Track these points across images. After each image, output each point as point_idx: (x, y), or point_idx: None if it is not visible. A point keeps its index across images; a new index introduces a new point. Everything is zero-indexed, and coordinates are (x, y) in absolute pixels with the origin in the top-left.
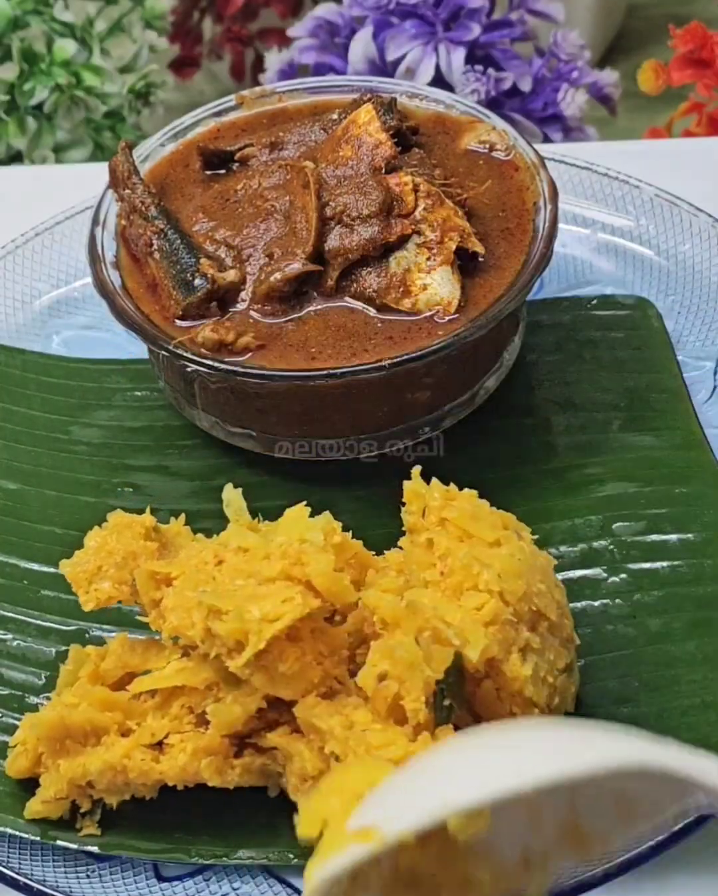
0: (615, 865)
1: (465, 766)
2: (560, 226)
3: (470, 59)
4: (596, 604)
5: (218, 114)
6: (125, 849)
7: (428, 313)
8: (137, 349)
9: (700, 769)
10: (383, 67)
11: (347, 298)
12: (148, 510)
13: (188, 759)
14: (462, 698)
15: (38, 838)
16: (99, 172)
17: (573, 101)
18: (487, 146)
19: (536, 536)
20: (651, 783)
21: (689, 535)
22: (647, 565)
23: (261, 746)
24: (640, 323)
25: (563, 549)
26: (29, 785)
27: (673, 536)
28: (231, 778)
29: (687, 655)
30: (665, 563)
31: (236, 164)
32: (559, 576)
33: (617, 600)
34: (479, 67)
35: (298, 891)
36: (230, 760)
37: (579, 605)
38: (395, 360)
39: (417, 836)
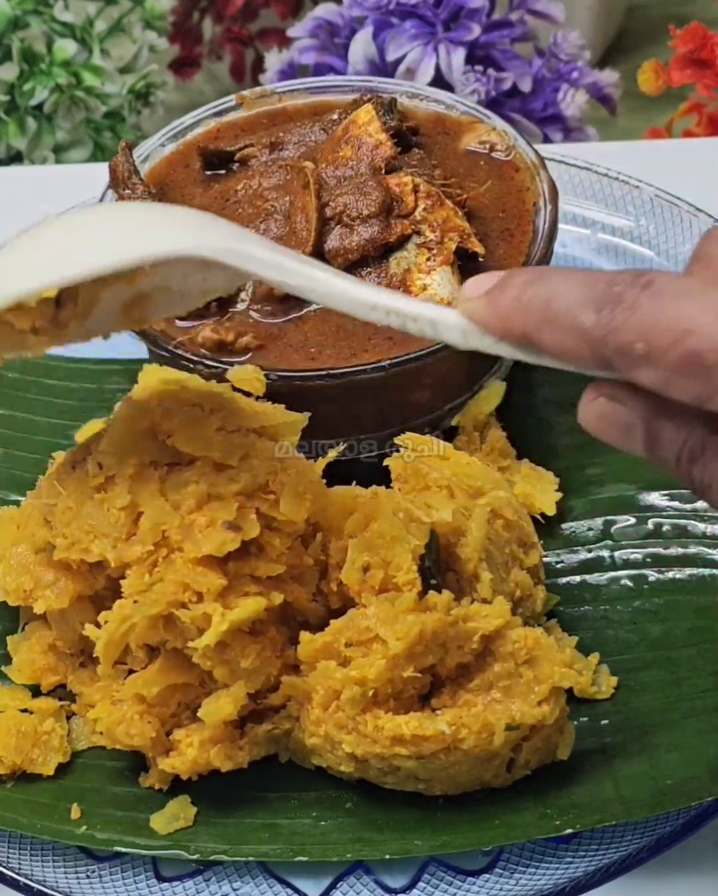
0: (615, 864)
1: (31, 258)
2: (560, 226)
3: (470, 60)
4: (596, 608)
5: (218, 114)
6: (125, 846)
7: None
8: (136, 349)
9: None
10: (383, 67)
11: None
12: None
13: (197, 752)
14: (440, 573)
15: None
16: (99, 172)
17: (573, 102)
18: (487, 146)
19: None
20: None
21: (689, 541)
22: (647, 572)
23: (261, 711)
24: None
25: (562, 554)
26: (29, 785)
27: (674, 542)
28: (241, 758)
29: (688, 660)
30: (665, 570)
31: (236, 165)
32: (560, 580)
33: (618, 607)
34: (479, 67)
35: (298, 891)
36: (237, 742)
37: (579, 609)
38: (395, 360)
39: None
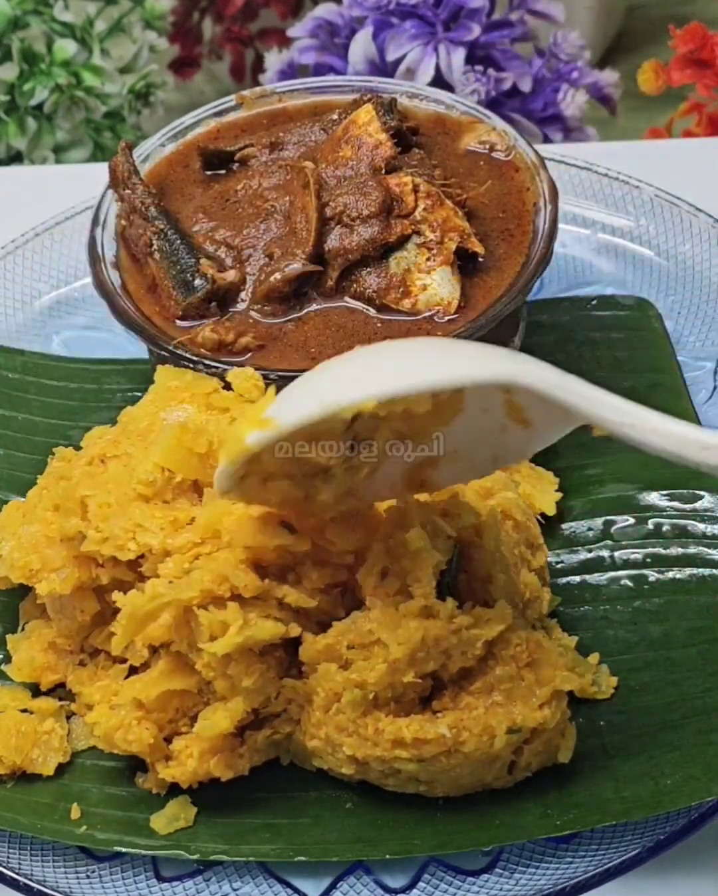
0: (615, 865)
1: (353, 374)
2: (560, 226)
3: (470, 60)
4: (596, 608)
5: (218, 114)
6: (125, 847)
7: (428, 313)
8: (136, 349)
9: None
10: (383, 67)
11: (347, 299)
12: None
13: (197, 763)
14: (456, 589)
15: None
16: (99, 172)
17: (573, 102)
18: (487, 146)
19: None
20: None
21: (689, 541)
22: (647, 572)
23: (261, 717)
24: (640, 323)
25: (562, 554)
26: (29, 785)
27: (674, 542)
28: (242, 766)
29: (688, 660)
30: (665, 571)
31: (236, 165)
32: (560, 580)
33: (618, 607)
34: (479, 67)
35: (298, 891)
36: (237, 751)
37: (579, 609)
38: None
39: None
